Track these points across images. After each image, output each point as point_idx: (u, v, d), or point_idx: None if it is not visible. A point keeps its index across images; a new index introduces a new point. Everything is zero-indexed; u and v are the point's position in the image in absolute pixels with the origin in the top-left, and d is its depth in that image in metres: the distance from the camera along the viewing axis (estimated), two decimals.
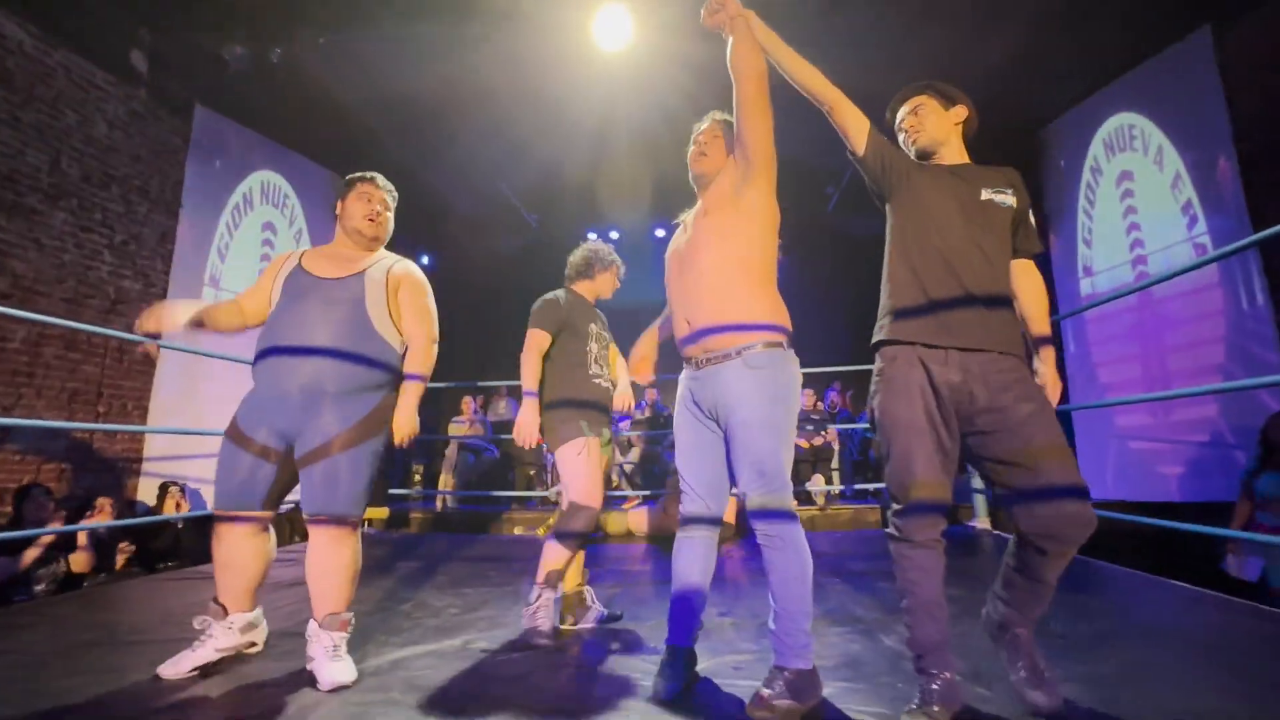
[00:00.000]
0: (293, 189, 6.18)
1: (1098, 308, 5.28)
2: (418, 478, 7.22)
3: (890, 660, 1.68)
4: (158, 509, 4.29)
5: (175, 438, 4.85)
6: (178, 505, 4.30)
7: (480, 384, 7.93)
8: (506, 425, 7.04)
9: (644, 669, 1.64)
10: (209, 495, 4.96)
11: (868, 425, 6.38)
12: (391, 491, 4.91)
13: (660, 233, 9.36)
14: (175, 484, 4.37)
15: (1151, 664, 1.61)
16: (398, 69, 5.26)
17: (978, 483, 4.08)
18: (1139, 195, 5.03)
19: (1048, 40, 5.12)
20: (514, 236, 9.33)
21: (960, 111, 1.64)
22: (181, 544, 4.38)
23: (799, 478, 6.07)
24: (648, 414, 6.76)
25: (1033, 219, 1.56)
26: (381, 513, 4.57)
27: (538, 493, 5.73)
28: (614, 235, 9.54)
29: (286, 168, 6.13)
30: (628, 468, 6.02)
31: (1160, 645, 1.77)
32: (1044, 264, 6.15)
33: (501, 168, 7.53)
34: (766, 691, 1.35)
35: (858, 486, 5.87)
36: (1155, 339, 4.85)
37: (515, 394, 7.97)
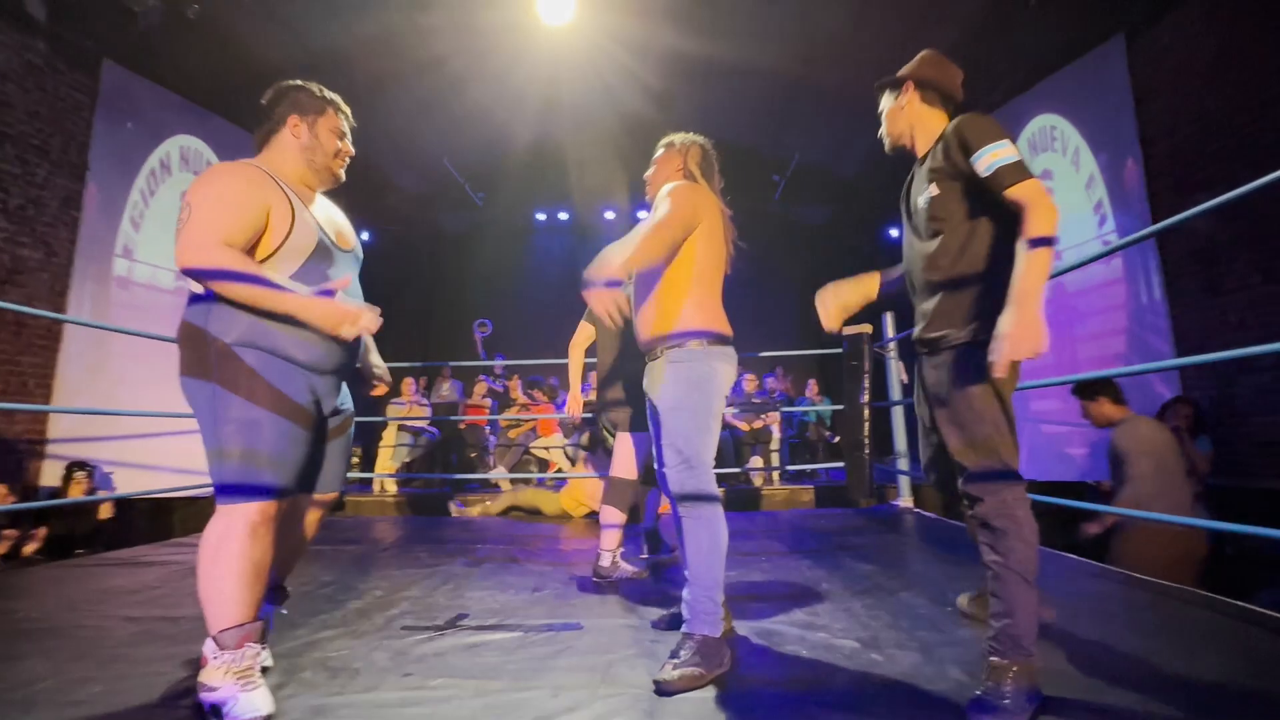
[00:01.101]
0: (217, 156, 5.82)
1: None
2: (355, 460, 7.01)
3: (800, 631, 1.76)
4: (63, 493, 4.03)
5: (82, 418, 4.55)
6: (88, 490, 4.06)
7: (422, 365, 7.76)
8: (449, 407, 6.92)
9: (567, 643, 1.67)
10: (126, 479, 4.71)
11: (805, 410, 6.54)
12: None
13: (610, 215, 9.31)
14: (83, 466, 4.12)
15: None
16: (329, 31, 5.00)
17: (903, 464, 4.29)
18: (1057, 194, 5.32)
19: (979, 41, 5.34)
20: (459, 214, 9.10)
21: (907, 90, 1.60)
22: (104, 531, 4.15)
23: (739, 459, 6.23)
24: (594, 396, 6.77)
25: (986, 158, 1.32)
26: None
27: (478, 475, 5.68)
28: (563, 216, 9.43)
29: (209, 133, 5.76)
30: (570, 450, 6.02)
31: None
32: None
33: (446, 142, 7.31)
34: (674, 659, 1.42)
35: (794, 468, 6.07)
36: (1066, 329, 5.17)
37: (459, 374, 7.83)
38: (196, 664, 1.53)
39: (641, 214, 9.03)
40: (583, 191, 8.41)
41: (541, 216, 9.45)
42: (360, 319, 1.39)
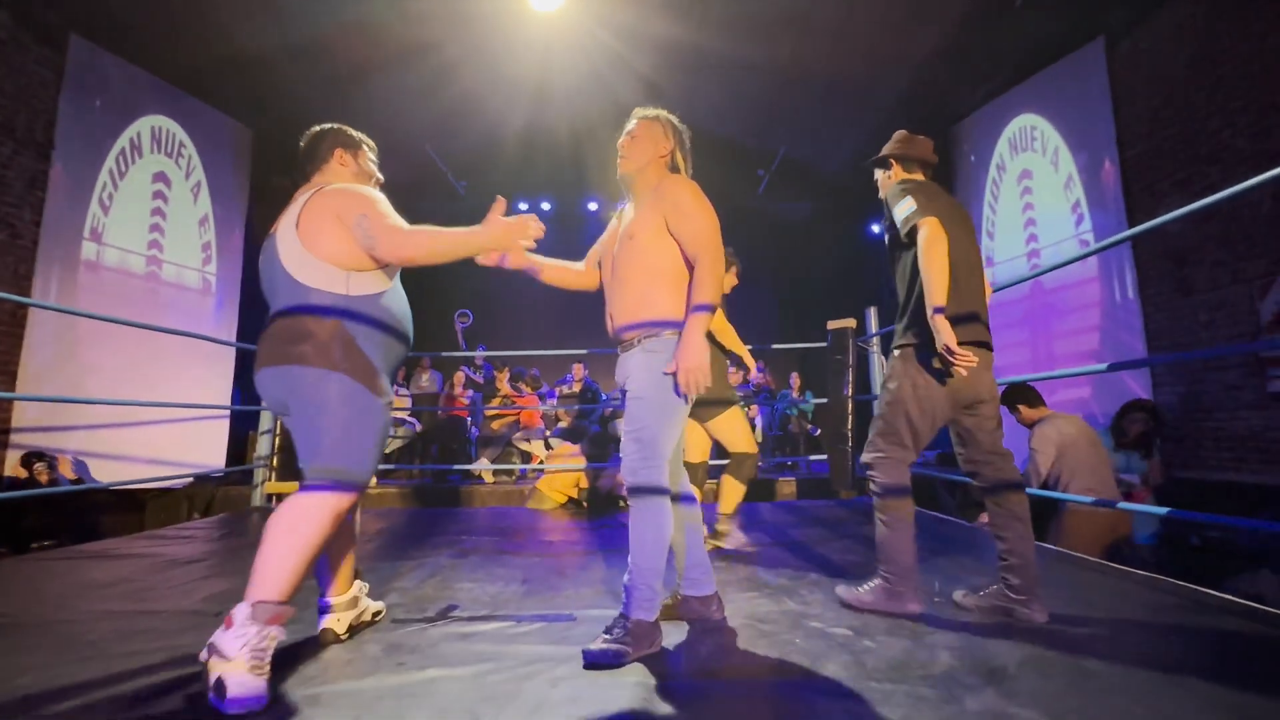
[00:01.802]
0: (189, 137, 5.65)
1: (996, 296, 5.70)
2: None
3: (792, 620, 1.78)
4: (30, 483, 3.90)
5: (49, 406, 4.40)
6: (53, 480, 3.93)
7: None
8: (429, 398, 6.84)
9: (561, 634, 1.67)
10: (96, 468, 4.57)
11: (788, 405, 6.60)
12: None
13: (593, 206, 9.25)
14: (43, 456, 3.98)
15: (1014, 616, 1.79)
16: (311, 13, 4.87)
17: None
18: (1036, 193, 5.43)
19: (963, 40, 5.40)
20: (441, 203, 8.96)
21: (892, 166, 2.12)
22: (60, 521, 4.01)
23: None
24: (576, 388, 6.75)
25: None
26: (292, 487, 4.35)
27: (460, 466, 5.63)
28: (545, 206, 9.35)
29: (182, 113, 5.59)
30: (555, 442, 6.00)
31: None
32: None
33: (429, 130, 7.17)
34: (606, 636, 1.51)
35: (776, 460, 6.13)
36: (1043, 326, 5.29)
37: (439, 365, 7.74)
38: (178, 658, 1.50)
39: (592, 205, 9.01)
40: (567, 182, 8.35)
41: (524, 206, 9.36)
42: (530, 224, 1.60)
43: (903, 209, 1.85)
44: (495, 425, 6.15)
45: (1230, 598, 1.93)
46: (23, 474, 3.98)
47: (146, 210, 5.30)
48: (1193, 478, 3.96)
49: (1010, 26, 5.04)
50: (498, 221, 1.56)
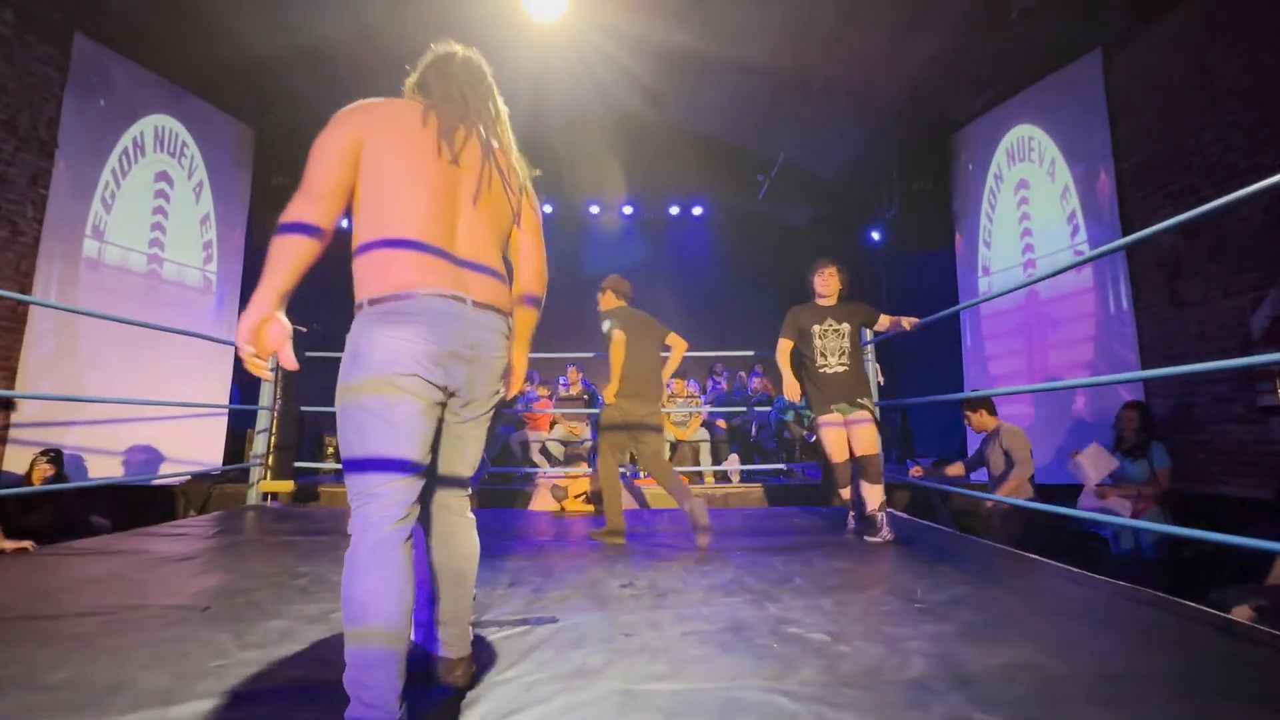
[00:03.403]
0: (192, 137, 5.70)
1: (992, 305, 5.72)
2: (331, 450, 6.93)
3: (771, 625, 1.80)
4: (27, 480, 3.93)
5: (49, 403, 4.44)
6: (53, 477, 3.95)
7: None
8: None
9: (542, 638, 1.69)
10: (92, 464, 4.60)
11: (783, 409, 6.60)
12: (299, 464, 4.71)
13: (595, 209, 9.29)
14: (45, 452, 4.00)
15: (990, 624, 1.81)
16: (314, 18, 4.92)
17: None
18: (1033, 203, 5.45)
19: (962, 49, 5.43)
20: None
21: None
22: (63, 518, 4.03)
23: (717, 457, 6.28)
24: (574, 390, 6.78)
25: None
26: (286, 486, 4.38)
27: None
28: (548, 209, 9.39)
29: (185, 113, 5.63)
30: (554, 446, 6.01)
31: (1001, 608, 1.99)
32: (947, 262, 6.59)
33: None
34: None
35: (769, 467, 6.14)
36: (1039, 336, 5.31)
37: None
38: (163, 652, 1.53)
39: (594, 208, 9.06)
40: (569, 185, 8.39)
41: None
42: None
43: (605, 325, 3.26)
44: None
45: (1208, 610, 1.94)
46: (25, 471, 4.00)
47: (148, 209, 5.34)
48: (1183, 490, 3.97)
49: (1008, 37, 5.07)
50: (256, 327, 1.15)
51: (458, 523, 1.37)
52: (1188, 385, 4.13)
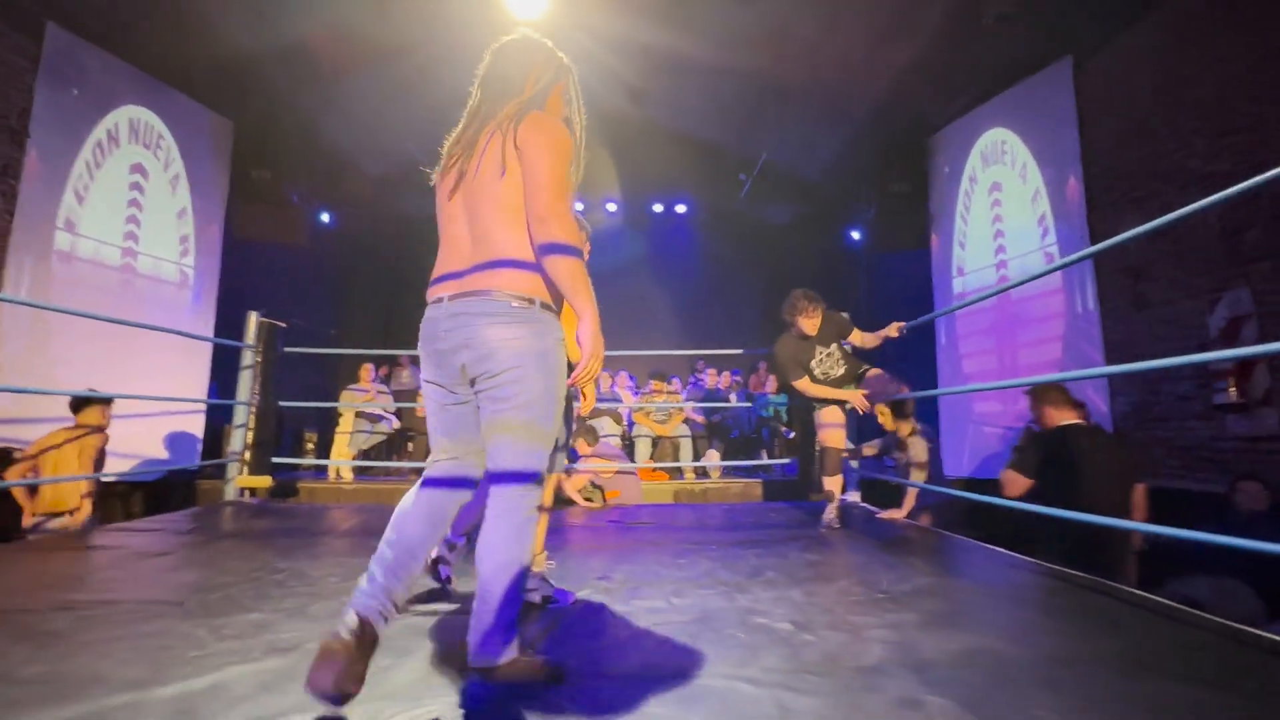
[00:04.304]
0: (168, 129, 5.62)
1: (966, 307, 5.84)
2: (310, 446, 6.89)
3: (740, 615, 1.86)
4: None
5: (19, 398, 4.37)
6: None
7: (382, 352, 7.64)
8: (410, 394, 6.85)
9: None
10: None
11: (765, 405, 6.67)
12: (277, 460, 4.68)
13: (580, 206, 9.30)
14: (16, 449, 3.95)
15: (952, 613, 1.88)
16: (293, 11, 4.88)
17: (853, 462, 4.45)
18: (1005, 205, 5.59)
19: (940, 53, 5.53)
20: (424, 201, 8.94)
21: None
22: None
23: (698, 453, 6.35)
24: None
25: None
26: (264, 481, 4.36)
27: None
28: None
29: (161, 104, 5.56)
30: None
31: (964, 597, 2.07)
32: (924, 262, 6.72)
33: (412, 128, 7.18)
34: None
35: (750, 463, 6.23)
36: (1010, 336, 5.45)
37: (418, 362, 7.74)
38: (138, 646, 1.54)
39: (611, 206, 9.08)
40: None
41: None
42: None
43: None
44: None
45: (1163, 600, 2.04)
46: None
47: (123, 201, 5.26)
48: (1145, 485, 4.11)
49: (982, 43, 5.18)
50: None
51: (488, 512, 1.36)
52: (1150, 384, 4.27)
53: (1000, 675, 1.41)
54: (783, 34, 5.62)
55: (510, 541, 1.33)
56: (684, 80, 6.24)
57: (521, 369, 1.31)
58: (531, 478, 1.35)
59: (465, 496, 1.43)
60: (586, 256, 2.91)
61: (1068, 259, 2.50)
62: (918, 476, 3.60)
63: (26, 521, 3.44)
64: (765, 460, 6.53)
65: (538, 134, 1.35)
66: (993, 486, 3.50)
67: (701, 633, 1.70)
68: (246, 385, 4.45)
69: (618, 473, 4.72)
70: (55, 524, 3.47)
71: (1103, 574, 2.26)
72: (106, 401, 3.76)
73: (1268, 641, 1.61)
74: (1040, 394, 3.11)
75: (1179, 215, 1.92)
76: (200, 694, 1.28)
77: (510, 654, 1.33)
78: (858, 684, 1.37)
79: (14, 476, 3.42)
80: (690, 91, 6.49)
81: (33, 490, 3.47)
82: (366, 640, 1.21)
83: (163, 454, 5.21)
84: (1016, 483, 2.99)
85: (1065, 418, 2.99)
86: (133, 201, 5.34)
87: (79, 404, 3.68)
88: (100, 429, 3.70)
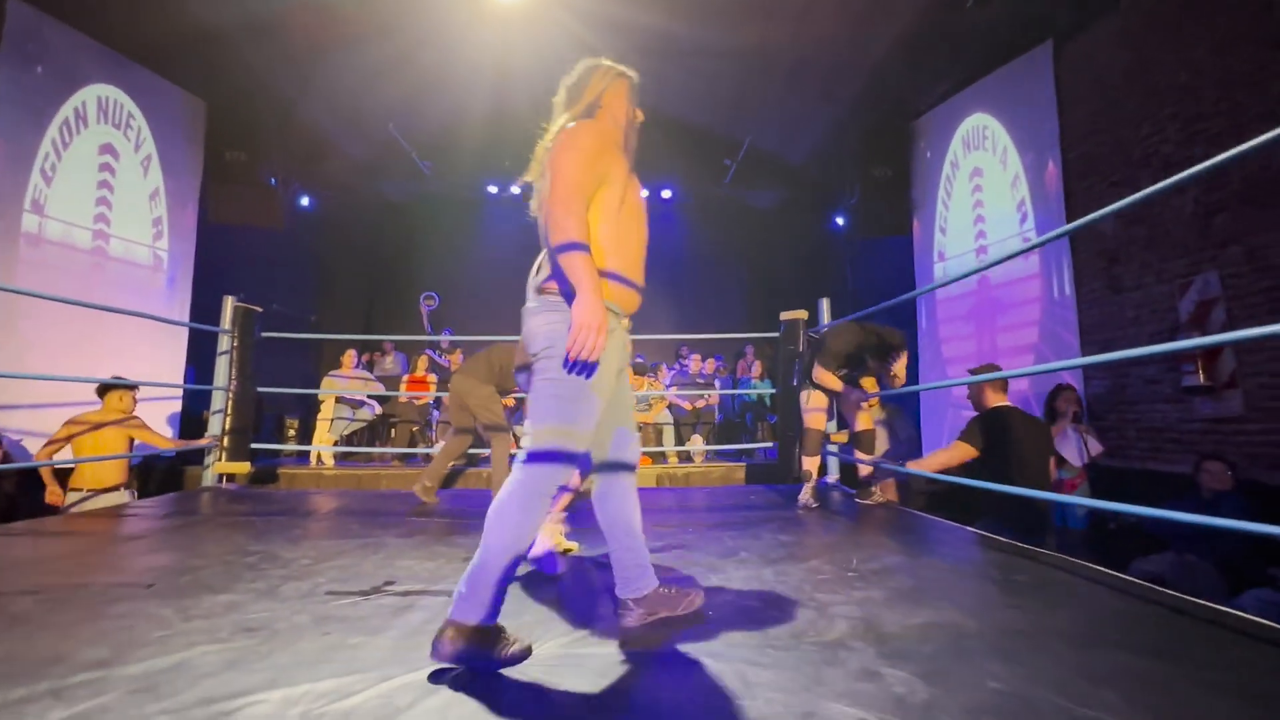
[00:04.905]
0: (139, 108, 5.48)
1: (946, 291, 5.89)
2: (291, 432, 6.84)
3: (711, 594, 1.89)
4: None
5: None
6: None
7: (364, 337, 7.57)
8: (392, 381, 6.81)
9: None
10: (36, 447, 4.46)
11: (748, 391, 6.71)
12: (256, 446, 4.64)
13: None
14: None
15: (916, 589, 1.92)
16: None
17: (831, 445, 4.50)
18: (986, 190, 5.62)
19: (923, 37, 5.53)
20: (405, 183, 8.84)
21: None
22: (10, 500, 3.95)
23: (680, 438, 6.38)
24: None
25: None
26: (242, 467, 4.32)
27: (420, 450, 5.64)
28: (515, 190, 9.29)
29: (131, 82, 5.41)
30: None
31: (930, 575, 2.11)
32: (906, 247, 6.76)
33: (393, 110, 7.07)
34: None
35: (733, 447, 6.27)
36: (989, 320, 5.51)
37: (402, 348, 7.69)
38: (105, 629, 1.53)
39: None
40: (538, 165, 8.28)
41: (494, 189, 9.29)
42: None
43: None
44: None
45: (1120, 575, 2.09)
46: None
47: (93, 182, 5.14)
48: (1115, 466, 4.20)
49: (964, 27, 5.18)
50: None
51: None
52: (1122, 367, 4.35)
53: (958, 648, 1.45)
54: (765, 14, 5.58)
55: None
56: (669, 62, 6.18)
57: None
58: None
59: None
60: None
61: (1040, 239, 2.52)
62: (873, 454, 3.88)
63: (55, 499, 3.70)
64: (748, 445, 6.57)
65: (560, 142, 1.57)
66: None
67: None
68: (223, 371, 4.40)
69: None
70: (98, 501, 3.78)
71: (1031, 536, 2.55)
72: (132, 387, 4.11)
73: (1212, 612, 1.67)
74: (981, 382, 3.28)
75: (1138, 199, 1.94)
76: (164, 672, 1.28)
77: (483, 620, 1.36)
78: (820, 657, 1.40)
79: (44, 456, 3.75)
80: (675, 74, 6.43)
81: (62, 472, 3.81)
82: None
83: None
84: (963, 450, 3.21)
85: (1000, 400, 3.26)
86: (103, 183, 5.22)
87: (105, 389, 3.99)
88: (131, 414, 4.07)
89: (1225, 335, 1.82)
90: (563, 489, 2.09)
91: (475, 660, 1.33)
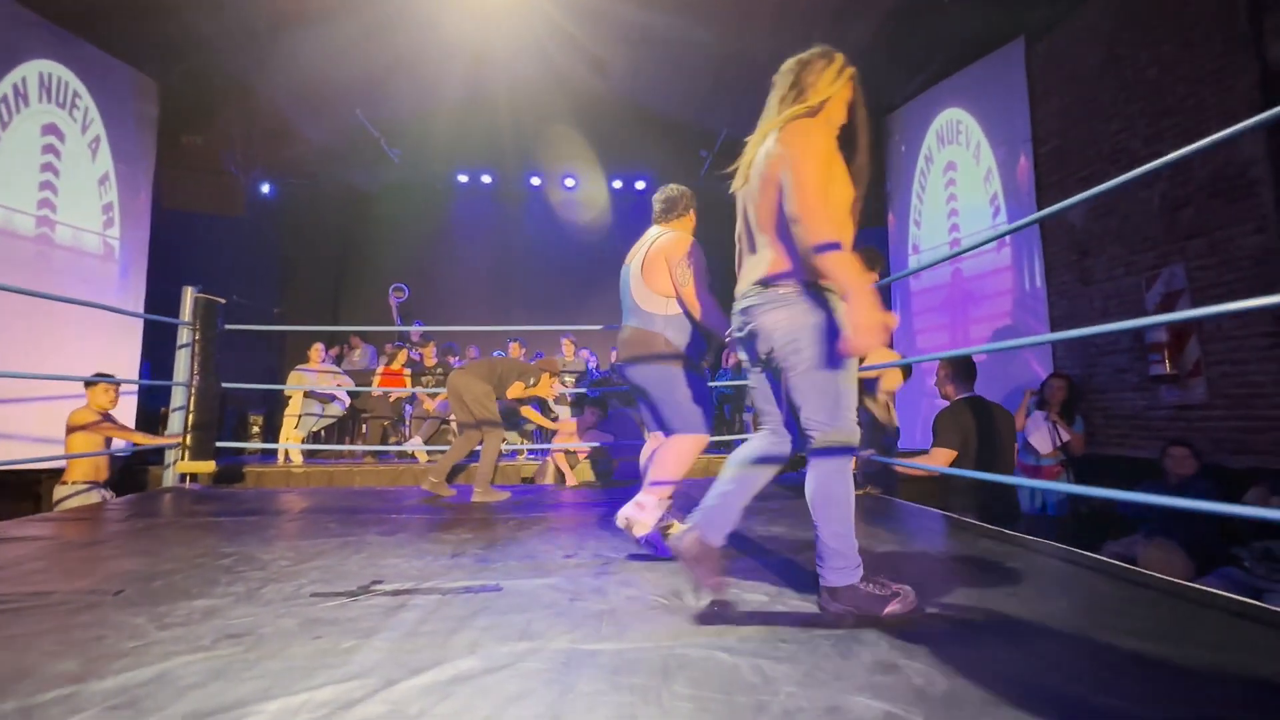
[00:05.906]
0: (85, 87, 5.16)
1: (920, 283, 5.99)
2: (256, 429, 6.58)
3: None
4: None
5: None
6: None
7: (330, 329, 7.33)
8: (361, 375, 6.61)
9: (485, 604, 1.68)
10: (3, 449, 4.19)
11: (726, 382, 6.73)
12: (221, 445, 4.44)
13: (536, 180, 9.08)
14: None
15: (916, 580, 1.92)
16: None
17: None
18: (960, 184, 5.72)
19: (898, 30, 5.57)
20: (373, 171, 8.57)
21: None
22: None
23: None
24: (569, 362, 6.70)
25: None
26: (207, 466, 4.13)
27: (391, 447, 5.49)
28: (486, 180, 9.11)
29: (75, 59, 5.09)
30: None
31: (927, 565, 2.12)
32: (881, 240, 6.84)
33: (358, 93, 6.82)
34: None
35: (732, 437, 6.27)
36: (962, 312, 5.62)
37: (372, 339, 7.47)
38: (69, 639, 1.42)
39: (535, 179, 8.90)
40: (509, 154, 8.14)
41: (464, 178, 9.08)
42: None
43: None
44: (428, 405, 6.01)
45: (1104, 560, 2.14)
46: None
47: (35, 166, 4.82)
48: (1086, 453, 4.33)
49: (939, 21, 5.24)
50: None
51: None
52: (1092, 356, 4.48)
53: (966, 637, 1.45)
54: (743, 7, 5.55)
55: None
56: (646, 52, 6.11)
57: None
58: None
59: None
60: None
61: (1009, 227, 2.55)
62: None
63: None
64: (725, 437, 6.59)
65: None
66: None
67: (676, 605, 1.69)
68: (184, 365, 4.18)
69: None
70: (91, 496, 3.94)
71: (1000, 523, 2.66)
72: (117, 384, 4.19)
73: (1194, 593, 1.71)
74: (948, 371, 3.31)
75: (1101, 190, 1.97)
76: (143, 685, 1.18)
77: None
78: (834, 650, 1.38)
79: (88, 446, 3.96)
80: (652, 64, 6.37)
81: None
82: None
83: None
84: (944, 455, 3.25)
85: (965, 392, 3.33)
86: (47, 166, 4.90)
87: (92, 383, 4.00)
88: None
89: (1179, 314, 1.86)
90: (667, 482, 2.40)
91: (875, 605, 1.56)
